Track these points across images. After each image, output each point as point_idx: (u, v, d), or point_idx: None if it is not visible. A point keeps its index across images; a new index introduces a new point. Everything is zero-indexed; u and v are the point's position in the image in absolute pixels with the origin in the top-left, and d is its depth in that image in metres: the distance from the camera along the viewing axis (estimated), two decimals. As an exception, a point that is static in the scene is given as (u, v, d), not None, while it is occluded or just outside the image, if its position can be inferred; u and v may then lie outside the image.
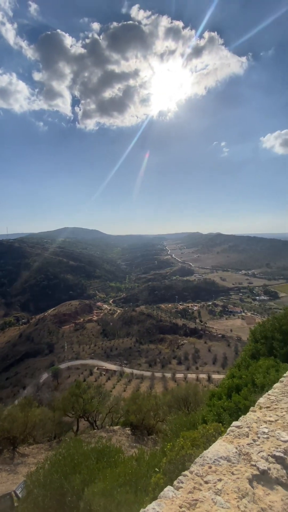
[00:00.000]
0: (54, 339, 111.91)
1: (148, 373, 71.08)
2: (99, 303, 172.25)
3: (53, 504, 6.60)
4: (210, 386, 40.94)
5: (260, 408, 2.76)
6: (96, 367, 77.64)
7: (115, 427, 17.52)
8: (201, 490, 1.55)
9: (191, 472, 1.68)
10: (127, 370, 74.65)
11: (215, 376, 60.48)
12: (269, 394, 3.14)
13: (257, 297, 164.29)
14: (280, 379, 3.73)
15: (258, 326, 9.33)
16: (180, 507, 1.43)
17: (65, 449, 9.26)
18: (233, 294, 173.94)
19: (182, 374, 66.59)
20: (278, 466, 1.76)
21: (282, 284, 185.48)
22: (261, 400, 2.98)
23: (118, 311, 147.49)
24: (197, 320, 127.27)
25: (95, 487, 6.54)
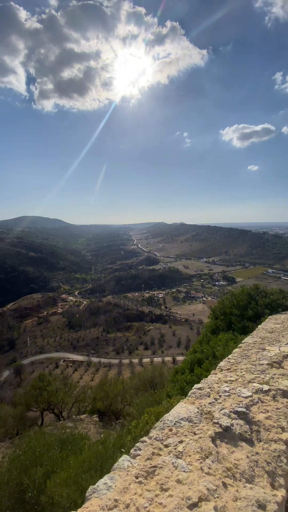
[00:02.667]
0: (15, 334, 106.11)
1: (115, 361, 71.71)
2: (63, 295, 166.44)
3: (11, 503, 6.14)
4: (175, 367, 43.00)
5: (221, 370, 2.75)
6: (62, 360, 75.76)
7: (82, 416, 17.28)
8: (160, 455, 1.38)
9: (149, 438, 1.51)
10: (95, 359, 74.33)
11: (179, 358, 63.49)
12: (229, 358, 3.18)
13: (217, 283, 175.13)
14: (238, 345, 3.85)
15: (218, 304, 9.79)
16: (137, 477, 1.24)
17: (26, 443, 8.75)
18: (195, 280, 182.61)
19: (149, 359, 68.60)
20: (241, 422, 1.69)
21: (238, 270, 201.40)
22: (222, 363, 3.00)
23: (84, 302, 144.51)
24: (162, 307, 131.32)
25: (57, 477, 6.25)
